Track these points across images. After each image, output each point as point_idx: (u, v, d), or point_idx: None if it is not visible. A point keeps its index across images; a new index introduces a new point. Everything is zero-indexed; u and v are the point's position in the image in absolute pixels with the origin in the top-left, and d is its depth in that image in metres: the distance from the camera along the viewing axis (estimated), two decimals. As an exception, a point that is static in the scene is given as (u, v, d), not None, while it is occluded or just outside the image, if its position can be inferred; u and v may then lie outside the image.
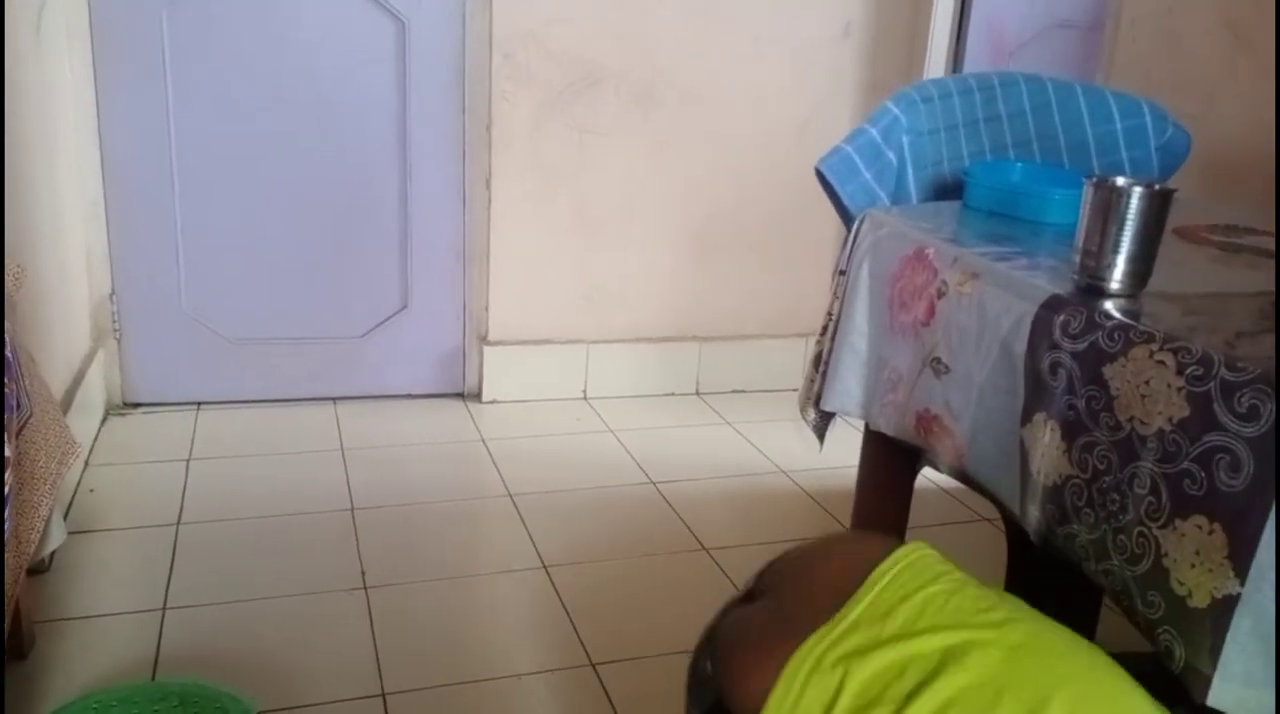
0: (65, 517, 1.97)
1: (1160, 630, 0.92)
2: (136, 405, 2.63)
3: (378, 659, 1.68)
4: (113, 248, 2.53)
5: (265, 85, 2.52)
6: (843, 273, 1.53)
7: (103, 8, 2.37)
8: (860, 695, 0.85)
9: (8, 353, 1.40)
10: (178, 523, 2.07)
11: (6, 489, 1.30)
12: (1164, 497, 0.92)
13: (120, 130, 2.46)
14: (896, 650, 0.87)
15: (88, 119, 2.42)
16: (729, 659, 0.97)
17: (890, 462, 1.50)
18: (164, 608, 1.78)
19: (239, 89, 2.50)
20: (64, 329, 2.24)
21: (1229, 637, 0.85)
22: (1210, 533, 0.87)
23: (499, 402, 2.81)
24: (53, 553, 1.81)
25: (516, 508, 2.22)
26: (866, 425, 1.50)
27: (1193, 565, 0.89)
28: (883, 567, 0.96)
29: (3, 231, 1.45)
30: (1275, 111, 1.99)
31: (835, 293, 1.55)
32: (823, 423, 1.58)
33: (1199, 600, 0.88)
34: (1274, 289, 1.15)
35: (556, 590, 1.90)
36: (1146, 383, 0.95)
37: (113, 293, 2.55)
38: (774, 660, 0.90)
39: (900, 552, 0.98)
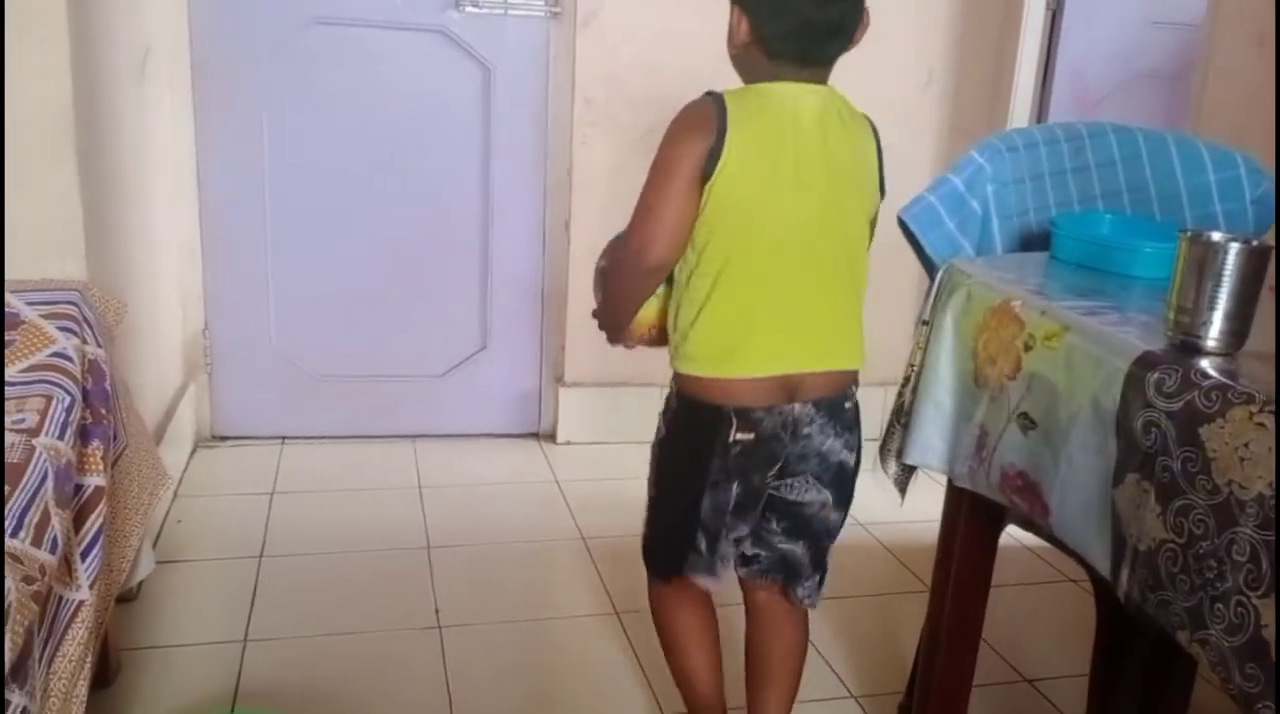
0: (154, 546, 2.02)
1: (1260, 706, 0.89)
2: (224, 438, 2.70)
3: (450, 698, 1.68)
4: (207, 285, 2.61)
5: (356, 130, 2.59)
6: (925, 323, 1.51)
7: (205, 56, 2.47)
8: None
9: (107, 385, 1.45)
10: (260, 555, 2.11)
11: (101, 519, 1.34)
12: (1264, 565, 0.89)
13: (217, 172, 2.55)
14: None
15: (187, 161, 2.52)
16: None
17: (974, 518, 1.47)
18: (245, 640, 1.81)
19: (331, 133, 2.58)
20: (158, 363, 2.32)
21: (1336, 715, 0.82)
22: (1315, 605, 0.84)
23: (573, 443, 2.82)
24: (141, 582, 1.86)
25: (589, 551, 2.22)
26: (949, 480, 1.47)
27: (1296, 638, 0.85)
28: None
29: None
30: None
31: (917, 343, 1.53)
32: (904, 476, 1.55)
33: (1303, 675, 0.84)
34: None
35: (629, 638, 1.90)
36: (1246, 446, 0.92)
37: (205, 328, 2.63)
38: None
39: None
